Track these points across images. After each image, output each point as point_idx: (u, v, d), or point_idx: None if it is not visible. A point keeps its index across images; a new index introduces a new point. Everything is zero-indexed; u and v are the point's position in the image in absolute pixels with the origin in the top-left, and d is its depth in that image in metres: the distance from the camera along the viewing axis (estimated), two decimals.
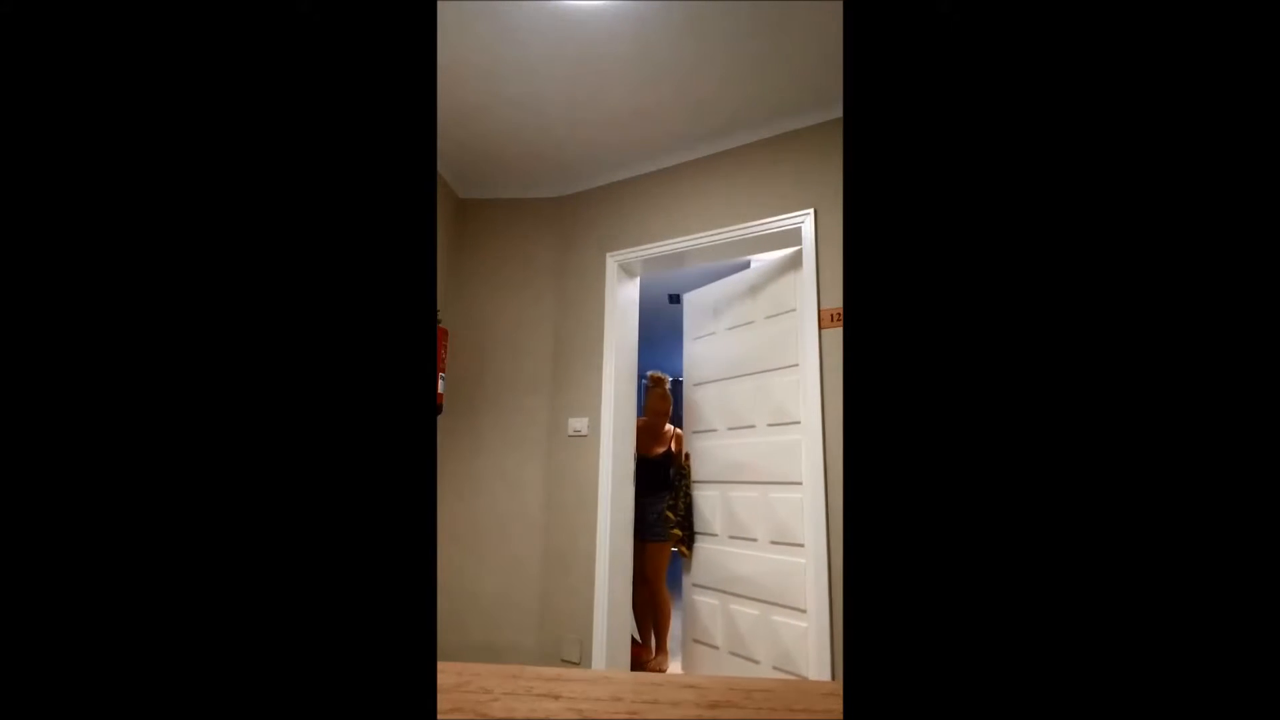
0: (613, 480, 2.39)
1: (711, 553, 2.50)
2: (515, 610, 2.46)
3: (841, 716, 0.37)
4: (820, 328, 2.05)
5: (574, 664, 2.31)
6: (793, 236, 2.21)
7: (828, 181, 2.13)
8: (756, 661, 2.20)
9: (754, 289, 2.50)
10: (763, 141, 2.31)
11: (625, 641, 2.43)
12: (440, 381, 2.42)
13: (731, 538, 2.41)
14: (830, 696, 0.40)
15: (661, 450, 2.82)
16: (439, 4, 1.72)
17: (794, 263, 2.27)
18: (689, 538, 2.62)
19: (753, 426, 2.39)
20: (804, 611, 2.01)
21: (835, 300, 2.04)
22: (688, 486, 2.67)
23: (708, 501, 2.57)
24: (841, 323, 2.01)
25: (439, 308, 2.60)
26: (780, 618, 2.12)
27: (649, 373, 2.90)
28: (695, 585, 2.56)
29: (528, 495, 2.55)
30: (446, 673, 0.44)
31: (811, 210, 2.13)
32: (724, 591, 2.40)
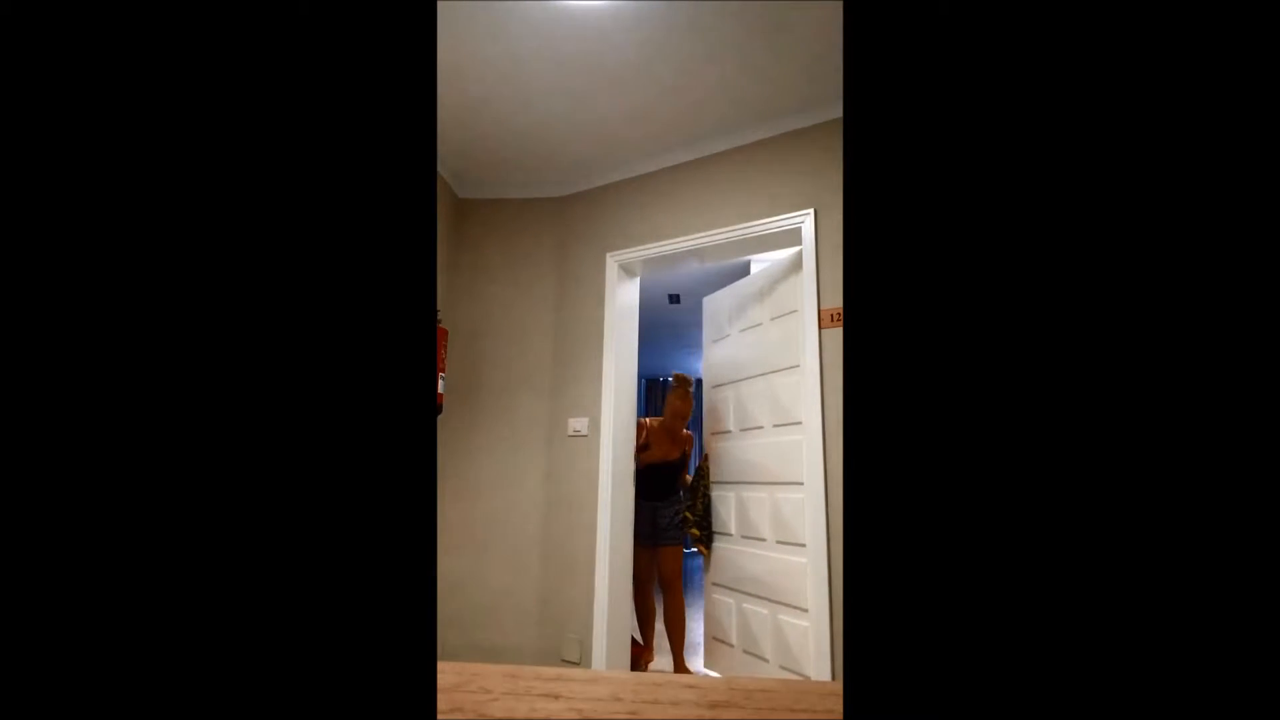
0: (613, 480, 2.39)
1: (728, 552, 2.51)
2: (515, 610, 2.46)
3: (841, 717, 0.37)
4: (820, 328, 2.05)
5: (574, 664, 2.31)
6: (793, 236, 2.21)
7: (828, 181, 2.13)
8: (766, 660, 2.21)
9: (762, 291, 2.51)
10: (763, 141, 2.31)
11: (625, 641, 2.43)
12: (440, 382, 2.42)
13: (744, 537, 2.43)
14: (831, 697, 0.40)
15: (677, 454, 2.79)
16: (439, 4, 1.72)
17: (796, 264, 2.27)
18: (707, 537, 2.62)
19: (761, 427, 2.40)
20: (806, 611, 2.02)
21: (835, 300, 2.04)
22: (706, 487, 2.67)
23: (724, 502, 2.58)
24: (841, 323, 2.01)
25: (439, 308, 2.60)
26: (785, 617, 2.13)
27: (674, 373, 2.89)
28: (714, 584, 2.58)
29: (528, 495, 2.55)
30: (446, 673, 0.44)
31: (811, 210, 2.13)
32: (738, 591, 2.41)
